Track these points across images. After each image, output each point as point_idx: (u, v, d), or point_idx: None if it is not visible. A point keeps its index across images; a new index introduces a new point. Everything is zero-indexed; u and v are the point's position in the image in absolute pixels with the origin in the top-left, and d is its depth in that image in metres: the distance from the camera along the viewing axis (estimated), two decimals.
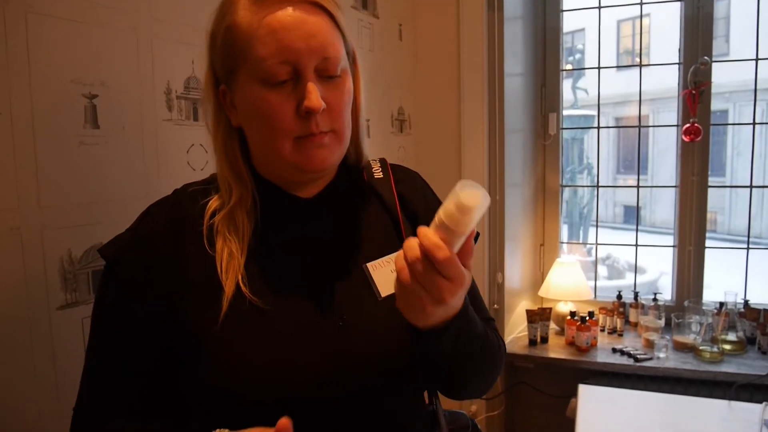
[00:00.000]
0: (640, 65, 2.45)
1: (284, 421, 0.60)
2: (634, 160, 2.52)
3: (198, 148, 1.27)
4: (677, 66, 2.33)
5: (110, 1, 1.06)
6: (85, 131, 1.03)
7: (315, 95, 0.70)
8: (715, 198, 2.34)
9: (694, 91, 2.20)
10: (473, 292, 0.94)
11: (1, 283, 0.91)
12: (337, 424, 0.75)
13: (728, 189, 8.58)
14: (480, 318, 0.90)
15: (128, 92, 1.11)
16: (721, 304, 2.17)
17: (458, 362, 0.79)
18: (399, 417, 0.82)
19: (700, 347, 2.06)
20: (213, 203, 0.79)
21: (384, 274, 0.77)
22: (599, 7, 2.45)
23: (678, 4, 2.31)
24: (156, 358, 0.75)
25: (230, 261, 0.74)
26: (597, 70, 2.52)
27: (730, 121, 8.92)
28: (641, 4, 2.40)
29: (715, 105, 2.29)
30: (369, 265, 0.77)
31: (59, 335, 0.99)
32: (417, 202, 0.91)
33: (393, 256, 0.76)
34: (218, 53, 0.76)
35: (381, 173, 0.91)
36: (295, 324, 0.75)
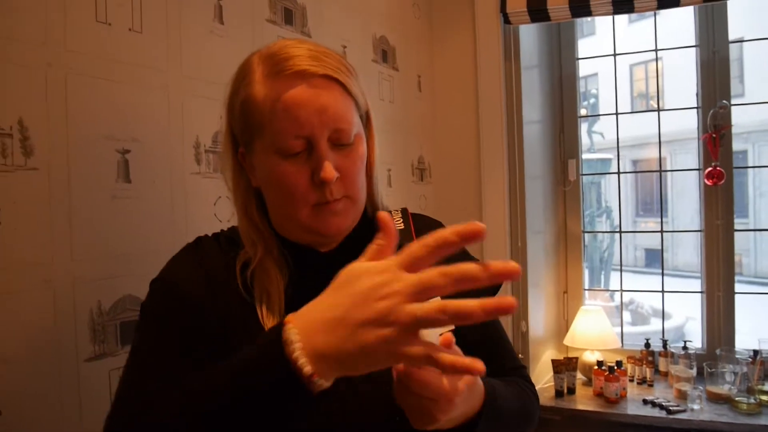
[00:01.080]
0: (658, 110, 2.46)
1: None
2: (653, 203, 2.50)
3: (224, 200, 1.29)
4: (695, 110, 2.34)
5: (144, 61, 1.11)
6: (117, 185, 1.06)
7: (329, 168, 0.73)
8: (738, 240, 2.30)
9: (714, 135, 2.20)
10: (500, 341, 0.94)
11: (32, 335, 0.91)
12: None
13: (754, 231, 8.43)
14: (509, 367, 0.91)
15: (159, 147, 1.14)
16: (755, 352, 2.10)
17: None
18: None
19: (736, 398, 1.98)
20: (242, 257, 0.80)
21: None
22: (614, 55, 2.49)
23: (693, 49, 2.33)
24: None
25: (270, 304, 0.75)
26: (615, 116, 2.54)
27: (750, 161, 8.84)
28: (656, 50, 2.44)
29: (734, 146, 2.28)
30: None
31: (87, 387, 0.99)
32: None
33: None
34: (236, 120, 0.79)
35: (402, 224, 0.91)
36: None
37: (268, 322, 0.74)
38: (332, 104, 0.74)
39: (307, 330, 0.53)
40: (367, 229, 0.83)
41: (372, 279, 0.51)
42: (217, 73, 1.27)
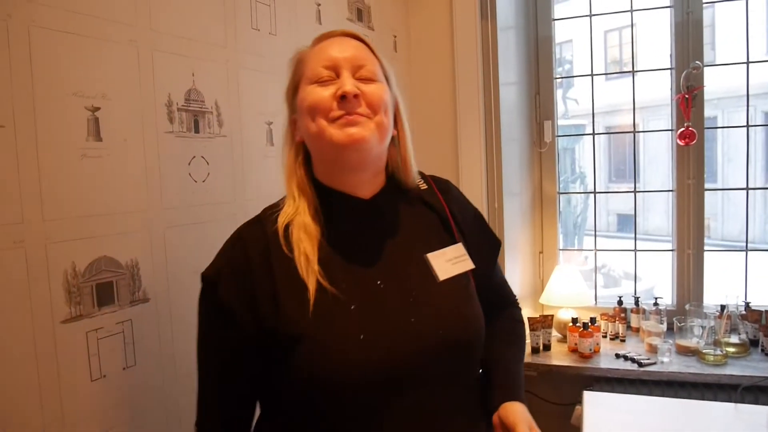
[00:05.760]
0: (633, 71, 2.47)
1: None
2: (626, 169, 2.54)
3: (199, 159, 1.26)
4: (669, 71, 2.36)
5: (110, 15, 1.07)
6: (87, 144, 1.03)
7: (349, 82, 0.88)
8: (707, 204, 2.36)
9: (687, 96, 2.22)
10: (504, 282, 1.18)
11: (5, 297, 0.90)
12: (414, 398, 0.85)
13: (720, 195, 8.63)
14: (510, 302, 1.19)
15: (130, 105, 1.11)
16: (723, 306, 2.17)
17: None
18: (469, 386, 0.96)
19: (704, 350, 2.06)
20: (282, 214, 0.93)
21: (441, 263, 0.95)
22: (590, 15, 2.49)
23: (666, 11, 2.34)
24: (257, 361, 0.89)
25: (307, 264, 0.87)
26: (590, 77, 2.55)
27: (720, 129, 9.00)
28: (631, 11, 2.44)
29: (705, 112, 2.31)
30: (429, 255, 0.95)
31: (64, 349, 0.98)
32: (453, 205, 1.06)
33: (447, 249, 0.97)
34: (289, 88, 0.98)
35: (425, 185, 1.06)
36: (373, 304, 0.87)
37: (306, 274, 0.86)
38: (355, 49, 0.93)
39: None
40: (399, 186, 1.02)
41: None
42: (187, 29, 1.24)
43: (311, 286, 0.85)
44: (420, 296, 0.90)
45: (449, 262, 0.96)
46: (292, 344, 0.84)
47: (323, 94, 0.88)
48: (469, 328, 0.93)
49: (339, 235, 0.93)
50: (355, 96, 0.87)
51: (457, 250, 0.99)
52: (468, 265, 0.98)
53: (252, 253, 0.90)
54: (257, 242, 0.91)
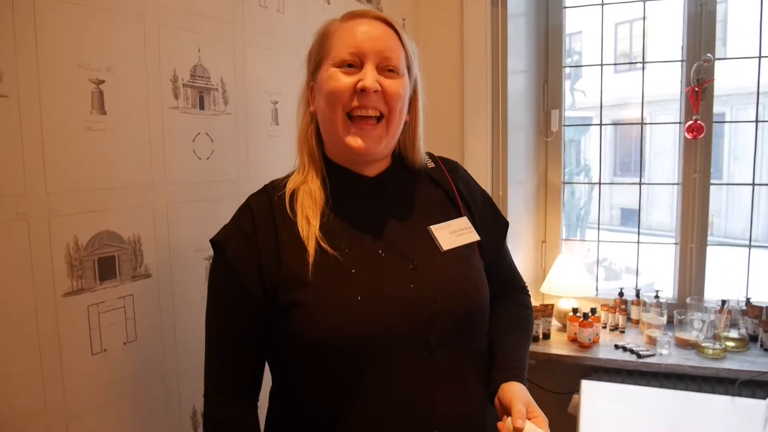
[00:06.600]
0: (643, 62, 2.45)
1: None
2: (631, 162, 2.52)
3: (204, 136, 1.26)
4: (680, 63, 2.34)
5: None
6: (92, 117, 1.02)
7: (371, 77, 0.89)
8: (712, 200, 2.35)
9: (697, 88, 2.20)
10: (512, 265, 1.18)
11: (7, 269, 0.89)
12: (410, 363, 0.87)
13: (725, 192, 8.57)
14: (520, 287, 1.18)
15: (135, 79, 1.10)
16: (723, 301, 2.17)
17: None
18: (469, 359, 0.95)
19: (703, 344, 2.06)
20: (291, 181, 0.97)
21: (444, 234, 0.97)
22: (602, 4, 2.46)
23: (680, 2, 2.31)
24: (263, 323, 0.92)
25: (308, 227, 0.91)
26: (600, 66, 2.53)
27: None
28: (644, 0, 2.40)
29: (714, 107, 2.29)
30: (432, 227, 0.98)
31: (65, 322, 0.98)
32: (461, 183, 1.09)
33: (451, 222, 0.99)
34: (311, 56, 0.99)
35: (432, 164, 1.09)
36: (373, 269, 0.90)
37: (306, 236, 0.90)
38: (383, 37, 0.92)
39: None
40: (404, 170, 1.05)
41: None
42: (194, 4, 1.22)
43: (311, 248, 0.89)
44: (421, 265, 0.92)
45: (453, 233, 0.98)
46: (293, 303, 0.87)
47: (344, 82, 0.90)
48: (468, 298, 0.94)
49: (343, 206, 0.96)
50: (375, 91, 0.89)
51: (462, 222, 1.01)
52: (473, 236, 1.00)
53: (258, 218, 0.93)
54: (263, 209, 0.94)
